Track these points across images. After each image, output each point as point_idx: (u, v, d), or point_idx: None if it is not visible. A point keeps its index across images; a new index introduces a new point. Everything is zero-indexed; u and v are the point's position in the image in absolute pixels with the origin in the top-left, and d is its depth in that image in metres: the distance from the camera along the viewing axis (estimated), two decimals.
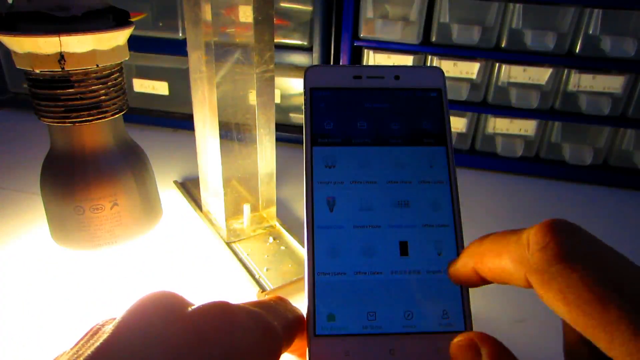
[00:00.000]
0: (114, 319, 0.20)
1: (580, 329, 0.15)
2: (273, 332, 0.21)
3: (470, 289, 0.23)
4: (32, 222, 0.50)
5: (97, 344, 0.18)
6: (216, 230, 0.49)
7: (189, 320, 0.20)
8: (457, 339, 0.19)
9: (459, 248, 0.24)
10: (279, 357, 0.22)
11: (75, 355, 0.18)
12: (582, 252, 0.15)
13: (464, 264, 0.20)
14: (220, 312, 0.20)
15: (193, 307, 0.21)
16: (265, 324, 0.21)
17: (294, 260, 0.45)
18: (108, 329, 0.19)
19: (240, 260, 0.45)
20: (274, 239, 0.48)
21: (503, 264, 0.17)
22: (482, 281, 0.20)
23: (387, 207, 0.24)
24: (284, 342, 0.22)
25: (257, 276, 0.43)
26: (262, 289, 0.41)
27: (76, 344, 0.20)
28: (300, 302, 0.24)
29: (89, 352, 0.18)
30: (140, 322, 0.19)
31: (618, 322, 0.14)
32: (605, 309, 0.14)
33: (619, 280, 0.14)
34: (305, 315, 0.23)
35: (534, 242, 0.16)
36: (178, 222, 0.51)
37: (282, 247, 0.47)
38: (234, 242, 0.48)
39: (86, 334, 0.20)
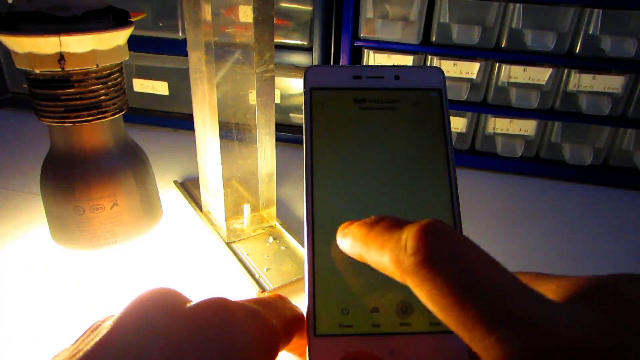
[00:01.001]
0: (113, 316, 0.20)
1: (451, 328, 0.16)
2: (271, 329, 0.21)
3: None
4: (32, 222, 0.50)
5: (96, 339, 0.18)
6: (216, 230, 0.49)
7: (187, 317, 0.20)
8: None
9: None
10: (276, 354, 0.22)
11: (75, 351, 0.18)
12: (448, 257, 0.16)
13: (353, 246, 0.21)
14: (218, 309, 0.20)
15: (191, 304, 0.21)
16: (262, 321, 0.21)
17: (294, 260, 0.45)
18: (107, 325, 0.19)
19: (240, 260, 0.45)
20: (274, 239, 0.48)
21: (384, 262, 0.18)
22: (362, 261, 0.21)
23: (387, 207, 0.24)
24: (282, 340, 0.22)
25: (257, 276, 0.43)
26: (262, 289, 0.41)
27: (76, 341, 0.20)
28: (301, 302, 0.24)
29: (87, 347, 0.18)
30: (139, 318, 0.19)
31: (474, 322, 0.15)
32: (464, 310, 0.15)
33: (478, 283, 0.15)
34: (304, 314, 0.23)
35: (409, 245, 0.17)
36: (178, 222, 0.51)
37: (282, 247, 0.47)
38: (234, 242, 0.48)
39: (86, 331, 0.20)
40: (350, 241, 0.21)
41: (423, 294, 0.16)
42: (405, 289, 0.23)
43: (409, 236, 0.17)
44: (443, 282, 0.16)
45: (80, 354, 0.18)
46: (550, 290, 0.18)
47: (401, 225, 0.18)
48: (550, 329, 0.14)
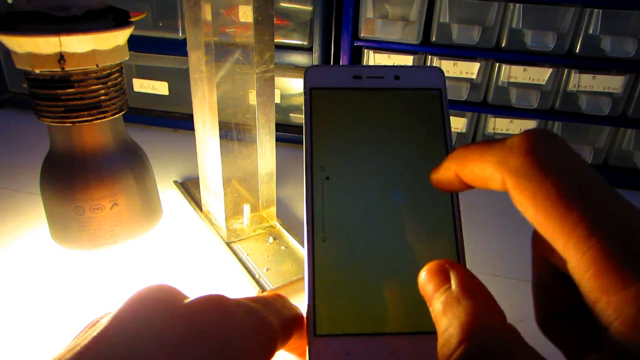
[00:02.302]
0: (111, 312, 0.20)
1: (543, 231, 0.16)
2: (268, 326, 0.21)
3: None
4: (32, 222, 0.50)
5: (94, 334, 0.18)
6: (216, 230, 0.49)
7: (184, 313, 0.20)
8: (428, 265, 0.19)
9: (458, 246, 0.24)
10: (274, 351, 0.22)
11: (73, 346, 0.18)
12: (558, 160, 0.16)
13: (447, 168, 0.21)
14: (215, 305, 0.20)
15: (189, 300, 0.21)
16: (260, 319, 0.21)
17: (294, 260, 0.45)
18: (104, 321, 0.19)
19: (240, 260, 0.45)
20: (274, 239, 0.48)
21: (484, 167, 0.18)
22: (462, 185, 0.20)
23: (387, 206, 0.24)
24: (280, 338, 0.22)
25: (257, 276, 0.43)
26: (262, 289, 0.41)
27: (75, 337, 0.20)
28: (301, 302, 0.24)
29: (85, 342, 0.18)
30: (136, 314, 0.19)
31: (577, 223, 0.15)
32: (569, 210, 0.15)
33: (586, 189, 0.15)
34: (304, 314, 0.23)
35: (517, 147, 0.17)
36: (178, 222, 0.51)
37: (282, 247, 0.47)
38: (234, 242, 0.48)
39: (85, 327, 0.21)
40: (445, 161, 0.20)
41: (524, 193, 0.16)
42: (405, 288, 0.23)
43: (515, 140, 0.17)
44: (552, 183, 0.15)
45: (78, 348, 0.18)
46: None
47: (500, 139, 0.18)
48: None
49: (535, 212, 0.16)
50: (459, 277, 0.18)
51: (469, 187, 0.20)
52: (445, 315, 0.17)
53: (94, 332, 0.19)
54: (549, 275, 0.20)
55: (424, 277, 0.19)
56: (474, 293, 0.17)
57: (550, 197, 0.15)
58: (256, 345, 0.21)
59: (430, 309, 0.18)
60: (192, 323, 0.19)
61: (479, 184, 0.19)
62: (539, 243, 0.20)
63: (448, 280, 0.18)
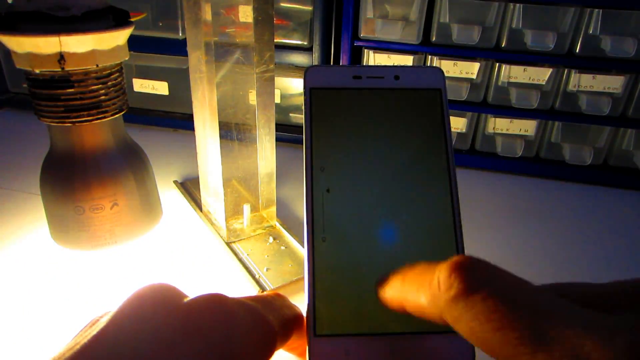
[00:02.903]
0: (111, 311, 0.20)
1: (496, 356, 0.16)
2: (267, 325, 0.22)
3: None
4: (32, 222, 0.50)
5: (93, 333, 0.18)
6: (216, 230, 0.49)
7: (183, 311, 0.20)
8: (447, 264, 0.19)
9: (458, 246, 0.24)
10: (273, 350, 0.22)
11: (73, 344, 0.18)
12: (482, 287, 0.16)
13: (392, 300, 0.21)
14: (214, 304, 0.21)
15: (188, 299, 0.21)
16: (259, 317, 0.21)
17: (294, 260, 0.45)
18: (104, 320, 0.19)
19: (240, 260, 0.45)
20: (274, 239, 0.48)
21: (421, 302, 0.18)
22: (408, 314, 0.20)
23: (387, 206, 0.24)
24: (280, 337, 0.22)
25: (257, 276, 0.43)
26: (262, 289, 0.41)
27: (75, 336, 0.20)
28: (300, 302, 0.24)
29: (84, 341, 0.18)
30: (135, 313, 0.19)
31: (518, 345, 0.15)
32: (506, 335, 0.15)
33: (514, 306, 0.15)
34: (303, 314, 0.23)
35: (442, 283, 0.17)
36: (178, 222, 0.51)
37: (282, 247, 0.47)
38: (234, 242, 0.48)
39: (85, 326, 0.21)
40: (389, 297, 0.21)
41: (462, 328, 0.16)
42: None
43: (440, 274, 0.17)
44: (480, 311, 0.16)
45: (77, 347, 0.18)
46: (579, 301, 0.18)
47: (431, 268, 0.18)
48: (595, 339, 0.14)
49: (480, 343, 0.16)
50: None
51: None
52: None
53: (94, 331, 0.19)
54: None
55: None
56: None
57: (483, 325, 0.16)
58: (255, 343, 0.21)
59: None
60: (191, 321, 0.19)
61: (423, 316, 0.19)
62: None
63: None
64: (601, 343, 0.14)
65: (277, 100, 0.72)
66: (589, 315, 0.15)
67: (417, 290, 0.18)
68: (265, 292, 0.41)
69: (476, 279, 0.16)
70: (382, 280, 0.21)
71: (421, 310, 0.18)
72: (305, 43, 0.68)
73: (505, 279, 0.17)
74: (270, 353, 0.22)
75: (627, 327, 0.14)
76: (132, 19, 0.40)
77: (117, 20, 0.39)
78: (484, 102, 0.66)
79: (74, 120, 0.38)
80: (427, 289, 0.18)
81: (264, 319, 0.22)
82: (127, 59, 0.40)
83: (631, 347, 0.13)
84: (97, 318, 0.21)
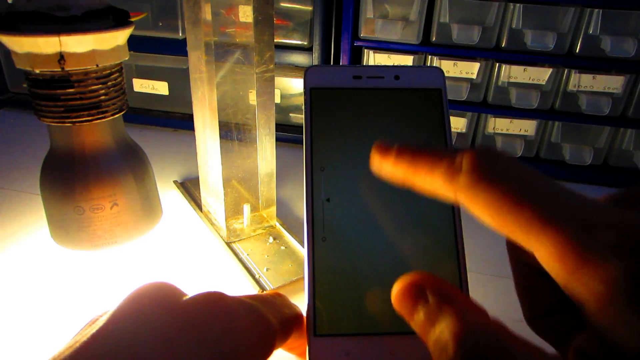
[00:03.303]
0: (110, 309, 0.20)
1: (506, 234, 0.17)
2: (267, 323, 0.22)
3: (470, 293, 0.23)
4: (32, 222, 0.50)
5: (93, 331, 0.19)
6: (216, 230, 0.49)
7: (181, 309, 0.20)
8: (398, 287, 0.19)
9: (458, 246, 0.24)
10: (272, 349, 0.22)
11: (72, 343, 0.19)
12: (502, 170, 0.17)
13: (393, 172, 0.21)
14: (213, 302, 0.21)
15: (187, 297, 0.21)
16: (258, 315, 0.21)
17: (294, 260, 0.45)
18: (104, 318, 0.19)
19: (240, 260, 0.45)
20: (274, 239, 0.48)
21: (434, 182, 0.19)
22: (403, 184, 0.21)
23: (387, 206, 0.24)
24: (279, 336, 0.22)
25: (257, 276, 0.43)
26: (262, 289, 0.41)
27: (75, 335, 0.20)
28: (300, 302, 0.24)
29: (84, 339, 0.18)
30: (134, 311, 0.20)
31: (531, 220, 0.16)
32: (521, 210, 0.16)
33: (531, 188, 0.17)
34: (303, 313, 0.23)
35: (465, 165, 0.18)
36: (178, 222, 0.51)
37: (282, 247, 0.47)
38: (234, 242, 0.48)
39: (85, 325, 0.21)
40: (391, 165, 0.21)
41: (478, 205, 0.17)
42: None
43: (465, 158, 0.18)
44: (501, 192, 0.17)
45: (77, 345, 0.18)
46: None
47: (445, 153, 0.19)
48: (600, 217, 0.16)
49: (492, 219, 0.17)
50: (432, 287, 0.19)
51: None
52: (431, 328, 0.18)
53: (93, 329, 0.19)
54: (529, 276, 0.21)
55: (398, 299, 0.19)
56: (452, 298, 0.18)
57: (502, 203, 0.17)
58: (254, 342, 0.21)
59: (412, 325, 0.19)
60: (190, 320, 0.19)
61: (425, 193, 0.20)
62: (512, 247, 0.21)
63: (422, 295, 0.19)
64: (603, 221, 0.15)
65: (277, 100, 0.72)
66: (592, 200, 0.17)
67: (432, 168, 0.19)
68: (265, 292, 0.41)
69: (497, 165, 0.18)
70: (383, 149, 0.21)
71: (429, 187, 0.19)
72: (305, 43, 0.68)
73: (521, 168, 0.18)
74: (270, 351, 0.22)
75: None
76: (132, 19, 0.40)
77: (117, 20, 0.39)
78: (484, 102, 0.66)
79: (74, 120, 0.38)
80: (447, 169, 0.18)
81: (263, 318, 0.22)
82: (127, 59, 0.40)
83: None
84: (97, 317, 0.21)
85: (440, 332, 0.17)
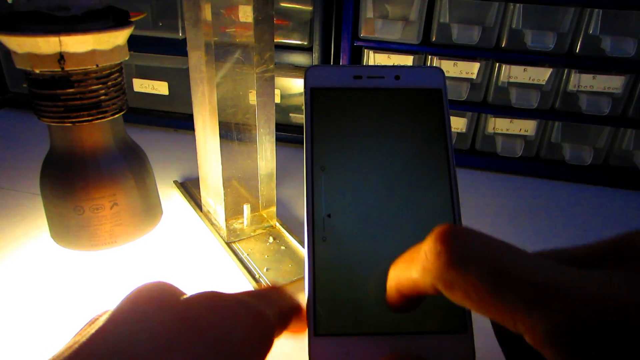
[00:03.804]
0: (110, 310, 0.20)
1: (491, 317, 0.17)
2: (264, 320, 0.22)
3: None
4: (32, 222, 0.50)
5: (92, 331, 0.19)
6: (216, 230, 0.49)
7: (179, 309, 0.20)
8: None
9: None
10: (271, 344, 0.22)
11: (72, 343, 0.19)
12: (472, 254, 0.17)
13: (390, 289, 0.21)
14: (210, 301, 0.21)
15: (185, 297, 0.21)
16: (255, 312, 0.22)
17: (294, 260, 0.45)
18: (102, 319, 0.19)
19: (240, 260, 0.45)
20: (274, 239, 0.48)
21: (413, 277, 0.19)
22: (411, 301, 0.21)
23: (387, 206, 0.24)
24: (277, 329, 0.22)
25: (257, 276, 0.43)
26: None
27: (75, 335, 0.20)
28: (301, 302, 0.24)
29: (83, 339, 0.18)
30: (133, 311, 0.20)
31: (515, 307, 0.15)
32: (502, 298, 0.16)
33: (507, 271, 0.16)
34: (301, 303, 0.23)
35: (429, 251, 0.18)
36: (178, 222, 0.51)
37: (282, 247, 0.47)
38: (234, 242, 0.48)
39: (85, 325, 0.21)
40: (387, 284, 0.21)
41: (456, 294, 0.17)
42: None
43: (426, 245, 0.18)
44: (476, 279, 0.16)
45: (76, 346, 0.18)
46: (571, 262, 0.19)
47: (420, 244, 0.19)
48: (586, 294, 0.15)
49: (473, 306, 0.17)
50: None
51: (420, 299, 0.21)
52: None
53: (92, 329, 0.19)
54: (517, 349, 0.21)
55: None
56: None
57: (480, 292, 0.16)
58: (253, 339, 0.21)
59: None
60: (188, 319, 0.19)
61: (420, 293, 0.20)
62: (496, 326, 0.21)
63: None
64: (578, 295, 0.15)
65: (277, 100, 0.72)
66: (573, 272, 0.16)
67: (408, 267, 0.19)
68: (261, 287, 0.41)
69: (462, 246, 0.17)
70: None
71: (415, 285, 0.19)
72: (305, 43, 0.68)
73: (491, 244, 0.17)
74: (269, 347, 0.22)
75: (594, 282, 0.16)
76: (132, 19, 0.40)
77: (117, 20, 0.39)
78: (484, 102, 0.66)
79: (74, 120, 0.38)
80: (417, 263, 0.18)
81: (261, 314, 0.22)
82: (127, 59, 0.40)
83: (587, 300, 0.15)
84: (96, 317, 0.21)
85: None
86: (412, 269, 0.19)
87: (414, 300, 0.20)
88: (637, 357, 0.14)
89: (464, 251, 0.17)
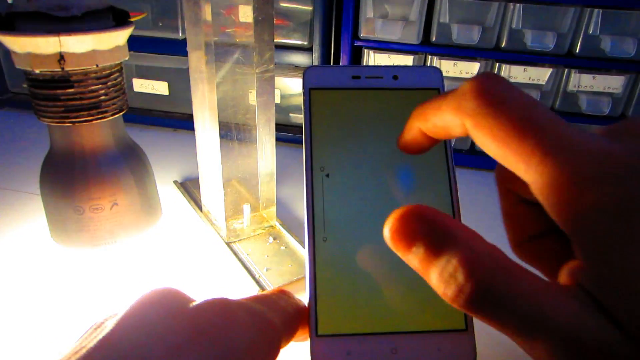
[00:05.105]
0: (117, 314, 0.20)
1: (505, 162, 0.18)
2: (272, 328, 0.22)
3: None
4: (32, 222, 0.50)
5: (99, 337, 0.18)
6: (216, 230, 0.49)
7: (188, 317, 0.20)
8: (392, 219, 0.19)
9: None
10: (277, 352, 0.22)
11: (78, 348, 0.18)
12: (508, 97, 0.18)
13: (410, 127, 0.22)
14: (219, 309, 0.21)
15: (193, 304, 0.21)
16: (263, 321, 0.21)
17: (294, 260, 0.45)
18: (110, 324, 0.19)
19: (240, 260, 0.45)
20: (274, 239, 0.48)
21: (443, 116, 0.20)
22: (428, 141, 0.22)
23: (387, 206, 0.24)
24: (285, 337, 0.22)
25: (257, 276, 0.43)
26: (262, 289, 0.41)
27: (79, 338, 0.20)
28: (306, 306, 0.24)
29: (90, 345, 0.18)
30: (142, 318, 0.20)
31: (533, 149, 0.17)
32: (525, 139, 0.17)
33: (535, 119, 0.17)
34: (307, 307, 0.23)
35: (470, 91, 0.19)
36: (178, 222, 0.51)
37: (282, 247, 0.47)
38: (234, 242, 0.48)
39: (89, 329, 0.21)
40: (407, 123, 0.22)
41: (483, 130, 0.18)
42: (406, 287, 0.23)
43: (467, 85, 0.19)
44: (507, 118, 0.17)
45: (84, 350, 0.18)
46: None
47: (453, 89, 0.20)
48: (597, 148, 0.16)
49: (495, 146, 0.18)
50: (431, 217, 0.18)
51: (434, 142, 0.22)
52: (435, 259, 0.17)
53: (99, 335, 0.19)
54: (516, 203, 0.23)
55: (393, 233, 0.19)
56: (453, 226, 0.18)
57: (506, 130, 0.17)
58: (260, 347, 0.21)
59: (409, 260, 0.18)
60: (197, 327, 0.19)
61: (442, 134, 0.21)
62: (502, 175, 0.23)
63: (421, 225, 0.18)
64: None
65: (277, 100, 0.72)
66: (591, 134, 0.17)
67: (440, 103, 0.20)
68: (268, 290, 0.41)
69: (501, 90, 0.18)
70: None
71: (440, 123, 0.20)
72: (305, 43, 0.68)
73: (524, 95, 0.18)
74: (275, 355, 0.22)
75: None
76: (132, 19, 0.40)
77: (117, 20, 0.39)
78: None
79: (73, 120, 0.38)
80: (453, 99, 0.19)
81: (268, 322, 0.22)
82: (127, 59, 0.40)
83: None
84: (101, 322, 0.21)
85: (447, 261, 0.17)
86: (444, 105, 0.19)
87: (428, 142, 0.22)
88: (631, 209, 0.15)
89: (502, 94, 0.18)
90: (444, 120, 0.20)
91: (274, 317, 0.22)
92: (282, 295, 0.25)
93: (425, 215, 0.18)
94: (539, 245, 0.22)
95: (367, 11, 0.63)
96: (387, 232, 0.19)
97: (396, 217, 0.18)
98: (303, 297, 0.24)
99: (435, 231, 0.18)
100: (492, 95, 0.18)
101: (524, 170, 0.17)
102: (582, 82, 0.62)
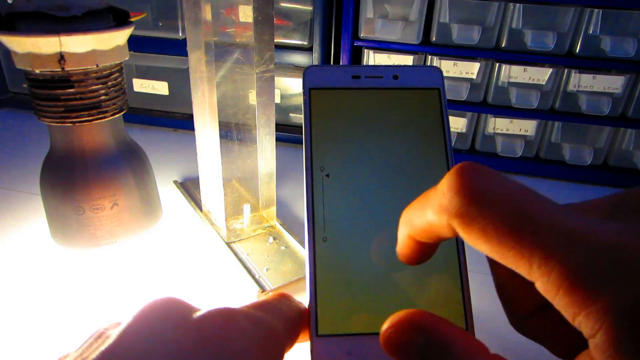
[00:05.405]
0: (119, 323, 0.20)
1: (504, 262, 0.16)
2: (276, 335, 0.22)
3: (471, 290, 0.23)
4: (32, 222, 0.50)
5: (102, 348, 0.18)
6: (216, 230, 0.49)
7: (192, 327, 0.20)
8: (389, 324, 0.18)
9: (458, 245, 0.24)
10: (282, 358, 0.22)
11: (80, 358, 0.18)
12: (493, 190, 0.16)
13: (402, 237, 0.20)
14: (222, 319, 0.21)
15: (197, 314, 0.21)
16: (267, 330, 0.21)
17: (294, 260, 0.45)
18: (113, 334, 0.19)
19: (240, 260, 0.45)
20: (274, 239, 0.48)
21: (428, 219, 0.18)
22: (424, 248, 0.20)
23: (387, 206, 0.24)
24: (288, 342, 0.22)
25: (257, 276, 0.43)
26: (262, 289, 0.41)
27: (80, 347, 0.20)
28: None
29: (93, 356, 0.18)
30: (145, 328, 0.19)
31: (533, 250, 0.15)
32: (522, 239, 0.15)
33: (530, 213, 0.16)
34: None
35: (448, 188, 0.17)
36: (178, 222, 0.51)
37: (282, 247, 0.47)
38: (234, 242, 0.48)
39: (90, 338, 0.20)
40: (398, 233, 0.20)
41: (473, 232, 0.16)
42: (406, 287, 0.23)
43: (447, 180, 0.17)
44: (496, 216, 0.16)
45: None
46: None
47: (433, 188, 0.18)
48: (605, 241, 0.15)
49: (489, 248, 0.16)
50: (429, 326, 0.18)
51: (432, 247, 0.20)
52: None
53: (102, 345, 0.18)
54: (510, 276, 0.20)
55: (388, 339, 0.18)
56: (451, 339, 0.17)
57: (498, 230, 0.16)
58: (263, 355, 0.21)
59: None
60: (201, 337, 0.19)
61: (434, 238, 0.19)
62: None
63: (417, 335, 0.18)
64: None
65: (277, 100, 0.72)
66: (592, 218, 0.16)
67: (422, 207, 0.18)
68: (270, 293, 0.41)
69: (483, 181, 0.16)
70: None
71: (429, 227, 0.18)
72: (305, 43, 0.68)
73: (512, 184, 0.17)
74: None
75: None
76: (132, 19, 0.40)
77: (117, 20, 0.39)
78: (484, 102, 0.66)
79: (74, 120, 0.38)
80: (433, 201, 0.17)
81: (272, 330, 0.22)
82: (127, 59, 0.40)
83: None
84: (103, 330, 0.21)
85: None
86: (426, 209, 0.18)
87: (425, 249, 0.20)
88: None
89: (486, 188, 0.16)
90: (430, 227, 0.18)
91: (276, 324, 0.22)
92: (282, 299, 0.25)
93: (423, 325, 0.17)
94: (540, 321, 0.20)
95: (367, 11, 0.63)
96: (382, 337, 0.18)
97: (393, 323, 0.18)
98: (303, 297, 0.24)
99: (430, 345, 0.17)
100: (474, 190, 0.16)
101: (526, 272, 0.15)
102: (582, 82, 0.62)
